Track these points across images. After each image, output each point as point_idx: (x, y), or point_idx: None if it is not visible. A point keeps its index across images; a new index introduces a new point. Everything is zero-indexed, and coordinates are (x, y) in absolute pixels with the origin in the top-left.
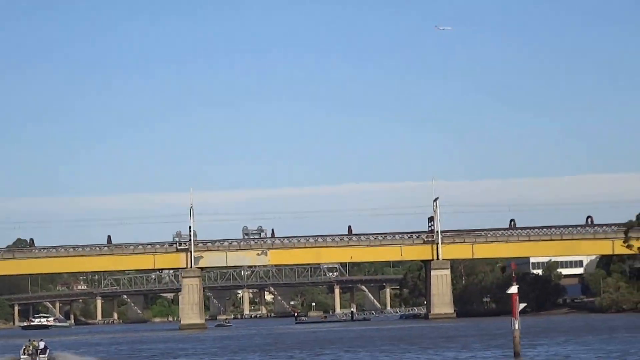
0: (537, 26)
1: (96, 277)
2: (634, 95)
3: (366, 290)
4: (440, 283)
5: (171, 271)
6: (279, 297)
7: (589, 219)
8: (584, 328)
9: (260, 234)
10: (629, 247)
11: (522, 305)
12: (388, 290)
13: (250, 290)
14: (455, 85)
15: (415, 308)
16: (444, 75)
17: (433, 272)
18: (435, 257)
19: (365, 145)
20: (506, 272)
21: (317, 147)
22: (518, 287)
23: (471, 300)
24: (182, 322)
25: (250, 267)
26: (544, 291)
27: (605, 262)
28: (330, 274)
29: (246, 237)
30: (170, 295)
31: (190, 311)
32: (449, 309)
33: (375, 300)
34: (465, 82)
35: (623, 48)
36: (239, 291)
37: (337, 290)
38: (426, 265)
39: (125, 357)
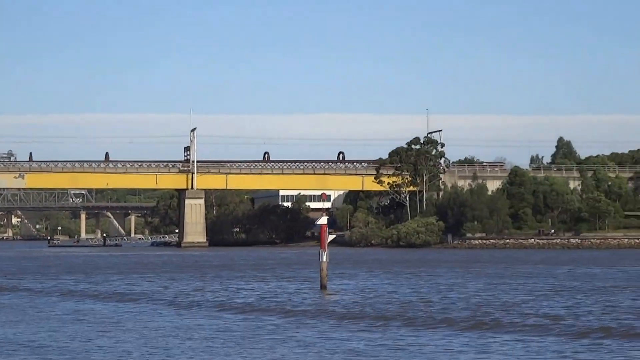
0: None
1: None
2: (398, 34)
3: (111, 217)
4: (194, 212)
5: None
6: (26, 221)
7: (341, 155)
8: (365, 262)
9: (10, 158)
10: (380, 183)
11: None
12: (133, 218)
13: None
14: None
15: (166, 236)
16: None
17: (187, 201)
18: (190, 187)
19: (128, 75)
20: (258, 205)
21: (77, 71)
22: (266, 219)
23: (222, 231)
24: None
25: None
26: (294, 223)
27: (352, 197)
28: (77, 199)
29: None
30: None
31: None
32: (202, 238)
33: (120, 227)
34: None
35: None
36: None
37: (82, 216)
38: (180, 194)
39: None
